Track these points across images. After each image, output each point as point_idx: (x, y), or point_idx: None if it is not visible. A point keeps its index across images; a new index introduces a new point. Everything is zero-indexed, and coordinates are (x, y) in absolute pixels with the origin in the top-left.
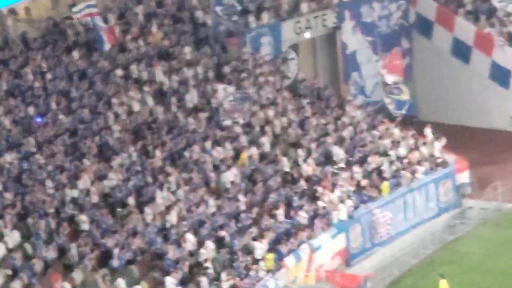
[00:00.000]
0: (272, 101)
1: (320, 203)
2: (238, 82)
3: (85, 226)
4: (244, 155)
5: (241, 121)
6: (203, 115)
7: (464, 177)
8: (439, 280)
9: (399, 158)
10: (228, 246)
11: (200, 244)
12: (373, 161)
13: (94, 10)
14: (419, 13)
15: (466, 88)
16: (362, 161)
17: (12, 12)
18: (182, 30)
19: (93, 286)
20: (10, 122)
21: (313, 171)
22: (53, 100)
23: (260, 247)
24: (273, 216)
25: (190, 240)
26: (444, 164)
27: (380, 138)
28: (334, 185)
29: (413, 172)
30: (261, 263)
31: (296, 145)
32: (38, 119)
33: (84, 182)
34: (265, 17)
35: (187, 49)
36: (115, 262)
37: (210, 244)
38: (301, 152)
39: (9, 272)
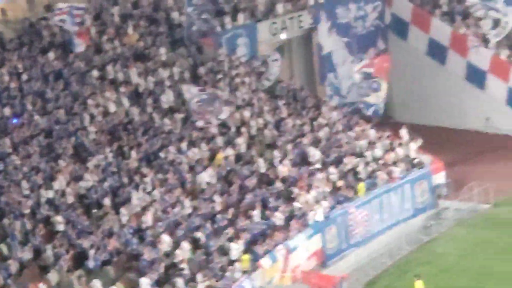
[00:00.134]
0: (248, 102)
1: (296, 204)
2: (214, 83)
3: (61, 227)
4: (220, 156)
5: (215, 121)
6: (179, 116)
7: (440, 178)
8: (415, 281)
9: (375, 159)
10: (204, 247)
11: (176, 245)
12: (349, 162)
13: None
14: (395, 14)
15: (442, 89)
16: (338, 162)
17: None
18: (158, 31)
19: (69, 287)
20: None
21: (289, 172)
22: (29, 101)
23: (236, 248)
24: (249, 217)
25: (166, 241)
26: (420, 165)
27: (356, 139)
28: (310, 186)
29: (389, 173)
30: (237, 264)
31: (272, 146)
32: (14, 120)
33: (60, 183)
34: (241, 18)
35: (163, 50)
36: (90, 263)
37: (185, 245)
38: (277, 153)
39: None
